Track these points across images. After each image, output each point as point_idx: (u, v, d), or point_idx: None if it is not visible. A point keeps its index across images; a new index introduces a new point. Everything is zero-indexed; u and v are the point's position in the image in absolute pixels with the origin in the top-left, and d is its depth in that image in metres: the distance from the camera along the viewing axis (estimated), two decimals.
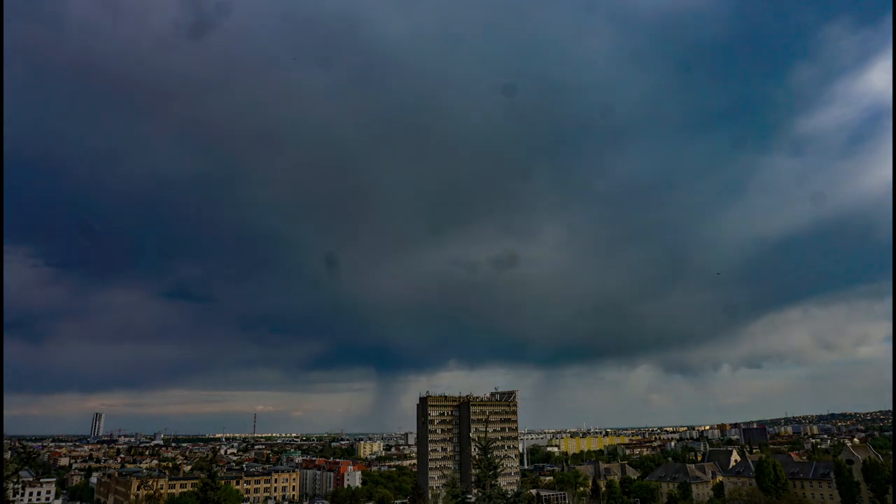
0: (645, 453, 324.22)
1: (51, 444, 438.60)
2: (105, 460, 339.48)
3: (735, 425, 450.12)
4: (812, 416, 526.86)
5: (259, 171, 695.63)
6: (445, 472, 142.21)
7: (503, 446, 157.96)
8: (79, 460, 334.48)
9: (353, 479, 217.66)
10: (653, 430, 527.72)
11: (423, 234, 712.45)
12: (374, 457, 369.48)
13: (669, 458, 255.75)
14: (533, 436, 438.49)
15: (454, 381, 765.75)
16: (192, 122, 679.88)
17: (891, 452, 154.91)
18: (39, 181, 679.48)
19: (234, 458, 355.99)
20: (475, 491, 39.49)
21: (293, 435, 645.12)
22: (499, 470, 39.82)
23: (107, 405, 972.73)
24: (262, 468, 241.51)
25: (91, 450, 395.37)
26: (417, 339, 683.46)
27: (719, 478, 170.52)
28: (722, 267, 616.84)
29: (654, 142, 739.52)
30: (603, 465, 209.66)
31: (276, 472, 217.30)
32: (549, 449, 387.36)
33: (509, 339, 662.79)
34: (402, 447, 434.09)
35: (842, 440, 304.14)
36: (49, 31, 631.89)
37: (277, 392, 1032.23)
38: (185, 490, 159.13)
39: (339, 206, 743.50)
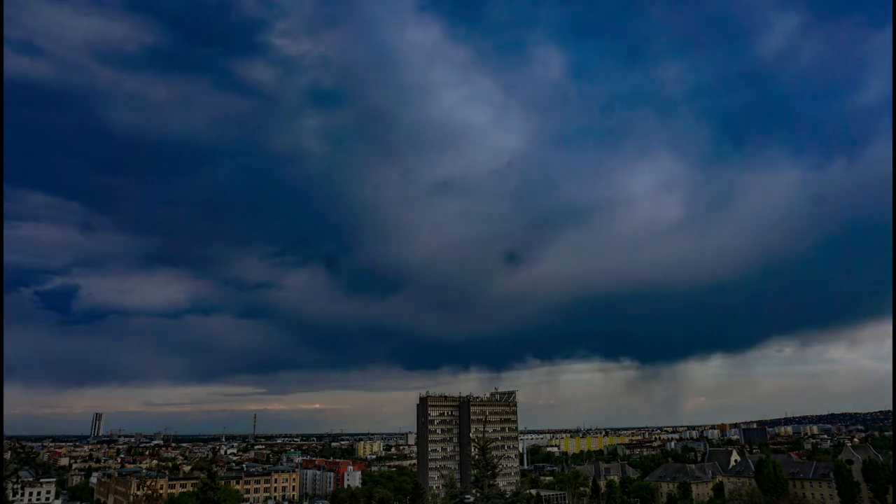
0: (645, 453, 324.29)
1: (50, 444, 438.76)
2: (105, 460, 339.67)
3: (735, 425, 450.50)
4: (812, 415, 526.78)
5: None
6: (445, 472, 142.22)
7: (503, 446, 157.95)
8: (78, 460, 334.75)
9: (353, 479, 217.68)
10: (652, 430, 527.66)
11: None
12: (373, 457, 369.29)
13: (669, 458, 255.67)
14: (533, 436, 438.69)
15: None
16: None
17: (891, 452, 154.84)
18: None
19: (234, 458, 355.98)
20: (473, 491, 39.48)
21: (294, 435, 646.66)
22: (498, 470, 39.79)
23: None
24: (262, 468, 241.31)
25: (91, 450, 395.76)
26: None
27: (719, 478, 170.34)
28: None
29: None
30: (603, 465, 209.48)
31: (276, 472, 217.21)
32: (548, 449, 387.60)
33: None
34: (402, 447, 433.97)
35: (842, 440, 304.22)
36: None
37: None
38: (185, 490, 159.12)
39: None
